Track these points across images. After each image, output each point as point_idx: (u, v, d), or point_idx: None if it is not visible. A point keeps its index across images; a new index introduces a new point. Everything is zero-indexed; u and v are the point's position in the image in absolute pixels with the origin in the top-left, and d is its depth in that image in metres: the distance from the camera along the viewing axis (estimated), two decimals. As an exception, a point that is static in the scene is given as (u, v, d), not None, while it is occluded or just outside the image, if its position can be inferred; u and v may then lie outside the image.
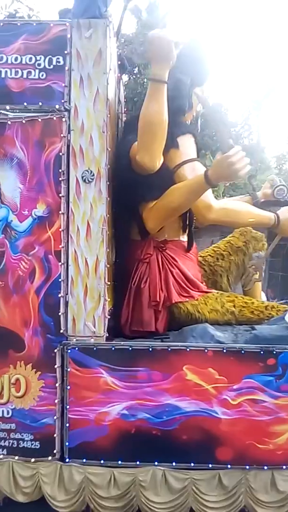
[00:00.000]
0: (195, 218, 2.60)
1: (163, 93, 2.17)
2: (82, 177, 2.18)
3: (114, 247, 2.63)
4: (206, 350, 2.15)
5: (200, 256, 2.99)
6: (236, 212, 2.51)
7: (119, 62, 2.76)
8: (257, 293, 3.01)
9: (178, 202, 2.33)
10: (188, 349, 2.16)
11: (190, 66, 2.64)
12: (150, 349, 2.16)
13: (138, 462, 2.16)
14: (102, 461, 2.16)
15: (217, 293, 2.64)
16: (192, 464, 2.15)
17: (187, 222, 2.63)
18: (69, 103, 2.19)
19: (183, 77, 2.60)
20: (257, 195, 3.03)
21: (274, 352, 2.14)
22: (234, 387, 2.14)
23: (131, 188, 2.43)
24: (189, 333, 2.28)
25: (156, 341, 2.23)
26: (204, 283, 2.74)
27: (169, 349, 2.16)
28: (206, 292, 2.59)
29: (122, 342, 2.19)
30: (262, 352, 2.14)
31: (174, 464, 2.15)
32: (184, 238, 2.65)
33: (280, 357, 2.14)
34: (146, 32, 2.69)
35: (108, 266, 2.21)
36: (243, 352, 2.14)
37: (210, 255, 2.99)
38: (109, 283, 2.21)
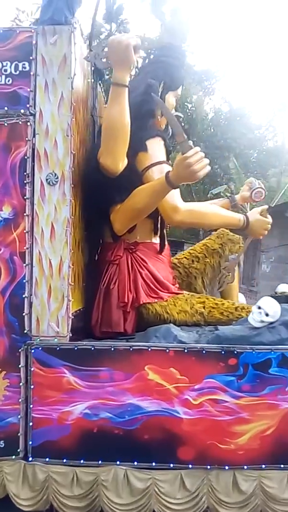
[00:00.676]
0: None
1: (124, 97, 2.22)
2: (47, 179, 2.24)
3: (87, 249, 2.68)
4: (167, 350, 2.18)
5: (176, 259, 3.04)
6: (203, 214, 2.55)
7: (92, 68, 2.81)
8: (233, 294, 3.04)
9: (142, 204, 2.38)
10: (149, 349, 2.19)
11: (163, 71, 2.71)
12: (112, 349, 2.20)
13: (100, 462, 2.19)
14: (65, 460, 2.20)
15: (188, 294, 2.68)
16: (154, 464, 2.17)
17: (159, 224, 2.67)
18: (34, 108, 2.25)
19: (154, 82, 2.67)
20: (235, 198, 3.07)
21: (235, 352, 2.17)
22: (196, 387, 2.17)
23: (101, 191, 2.49)
24: (152, 333, 2.31)
25: (118, 341, 2.26)
26: (177, 285, 2.79)
27: (131, 349, 2.20)
28: (177, 294, 2.63)
29: (84, 342, 2.23)
30: (223, 352, 2.17)
31: (135, 463, 2.18)
32: (156, 240, 2.70)
33: (241, 357, 2.16)
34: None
35: (72, 267, 2.26)
36: (204, 352, 2.17)
37: (185, 258, 3.03)
38: (72, 283, 2.25)
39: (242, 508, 2.17)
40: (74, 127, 2.32)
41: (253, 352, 2.16)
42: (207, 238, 3.12)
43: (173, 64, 2.79)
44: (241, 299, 3.09)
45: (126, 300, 2.48)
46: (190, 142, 2.18)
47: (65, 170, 2.24)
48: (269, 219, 2.68)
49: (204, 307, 2.57)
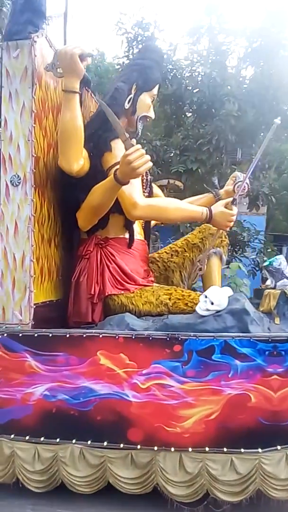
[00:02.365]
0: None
1: (74, 102, 2.45)
2: (11, 181, 2.50)
3: (64, 245, 2.93)
4: (117, 337, 2.37)
5: (157, 253, 3.22)
6: (163, 209, 2.71)
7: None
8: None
9: (97, 201, 2.59)
10: (101, 336, 2.39)
11: (137, 73, 2.93)
12: (67, 335, 2.42)
13: (58, 440, 2.41)
14: (27, 437, 2.44)
15: (157, 286, 2.84)
16: (106, 444, 2.36)
17: (129, 220, 2.86)
18: (0, 117, 2.52)
19: (122, 85, 2.88)
20: (219, 193, 3.20)
21: (180, 339, 2.32)
22: (143, 371, 2.34)
23: (71, 190, 2.73)
24: (107, 322, 2.52)
25: (73, 329, 2.48)
26: (151, 278, 2.96)
27: (84, 336, 2.41)
28: (145, 286, 2.80)
29: (43, 329, 2.46)
30: (168, 339, 2.33)
31: (89, 442, 2.38)
32: (127, 235, 2.89)
33: (186, 343, 2.31)
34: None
35: (33, 261, 2.50)
36: (151, 338, 2.34)
37: (166, 252, 3.20)
38: (33, 276, 2.49)
39: (189, 487, 2.32)
40: (38, 133, 2.57)
41: (197, 339, 2.30)
42: (190, 233, 3.27)
43: (148, 65, 3.00)
44: (229, 292, 3.16)
45: (92, 292, 2.70)
46: (133, 141, 2.36)
47: (27, 172, 2.49)
48: (234, 211, 2.79)
49: (169, 298, 2.72)
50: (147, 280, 2.89)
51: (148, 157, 2.37)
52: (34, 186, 2.52)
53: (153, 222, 3.38)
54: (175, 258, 3.15)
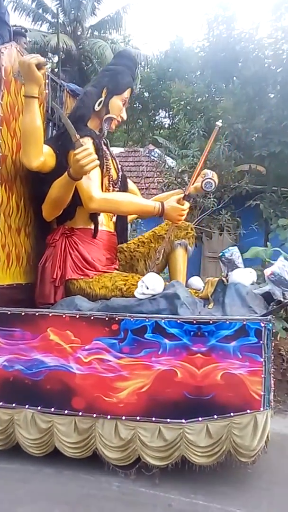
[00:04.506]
0: None
1: (33, 107, 2.81)
2: (-21, 177, 2.89)
3: (36, 234, 3.30)
4: (64, 316, 2.73)
5: (126, 244, 3.53)
6: (118, 202, 3.03)
7: (47, 80, 3.42)
8: (177, 276, 3.40)
9: (54, 195, 2.95)
10: (50, 315, 2.75)
11: (108, 78, 3.27)
12: (23, 313, 2.79)
13: (14, 405, 2.79)
14: (-12, 402, 2.84)
15: (116, 273, 3.16)
16: (53, 409, 2.72)
17: (94, 213, 3.19)
18: (-28, 120, 2.91)
19: (92, 89, 3.25)
20: (191, 189, 3.46)
21: (117, 319, 2.65)
22: (86, 347, 2.69)
23: (40, 185, 3.10)
24: (59, 303, 2.89)
25: (28, 308, 2.84)
26: (115, 266, 3.30)
27: (37, 314, 2.78)
28: (104, 272, 3.13)
29: (3, 308, 2.83)
30: (107, 319, 2.66)
31: (39, 408, 2.76)
32: (92, 226, 3.22)
33: (122, 323, 2.64)
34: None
35: (-3, 248, 2.88)
36: (92, 318, 2.68)
37: (133, 243, 3.52)
38: (-4, 261, 2.88)
39: (123, 452, 2.66)
40: (6, 134, 2.94)
41: (132, 320, 2.62)
42: (159, 225, 3.57)
43: (119, 71, 3.35)
44: (197, 282, 3.42)
45: (55, 276, 3.06)
46: (82, 141, 2.71)
47: None
48: (185, 206, 3.07)
49: (125, 284, 3.03)
50: (108, 268, 3.21)
51: (95, 156, 2.71)
52: (0, 181, 2.89)
53: (130, 217, 3.71)
54: (141, 248, 3.46)
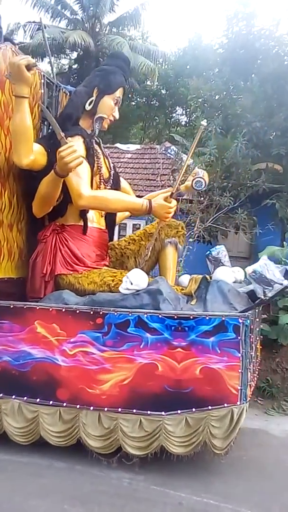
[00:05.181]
0: None
1: (23, 106, 2.90)
2: (-28, 173, 3.00)
3: (28, 230, 3.41)
4: (50, 309, 2.82)
5: (117, 241, 3.62)
6: (106, 200, 3.11)
7: (42, 80, 3.52)
8: (166, 274, 3.47)
9: (42, 191, 3.05)
10: (37, 308, 2.85)
11: (99, 78, 3.36)
12: (11, 306, 2.90)
13: (1, 395, 2.91)
14: (-23, 391, 2.95)
15: (105, 269, 3.25)
16: (38, 400, 2.83)
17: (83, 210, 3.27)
18: None
19: (82, 89, 3.34)
20: (179, 188, 3.53)
21: (101, 313, 2.74)
22: (71, 340, 2.79)
23: (32, 182, 3.20)
24: (47, 297, 2.99)
25: (17, 301, 2.94)
26: (105, 262, 3.38)
27: (24, 307, 2.88)
28: (94, 268, 3.22)
29: (-6, 302, 2.94)
30: (91, 313, 2.75)
31: (25, 398, 2.86)
32: (81, 223, 3.31)
33: (106, 317, 2.73)
34: None
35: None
36: (77, 312, 2.77)
37: (124, 240, 3.60)
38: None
39: (105, 441, 2.76)
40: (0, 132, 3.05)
41: (115, 314, 2.71)
42: (150, 223, 3.64)
43: (111, 71, 3.43)
44: (187, 280, 3.48)
45: (45, 271, 3.16)
46: (68, 139, 2.80)
47: None
48: (172, 204, 3.13)
49: (113, 280, 3.11)
50: (98, 264, 3.30)
51: (79, 153, 2.79)
52: (-7, 178, 3.00)
53: (120, 215, 3.77)
54: (132, 245, 3.54)
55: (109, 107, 3.43)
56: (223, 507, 2.46)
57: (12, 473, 2.72)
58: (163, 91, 19.93)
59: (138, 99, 20.70)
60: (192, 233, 7.89)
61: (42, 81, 3.56)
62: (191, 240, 7.83)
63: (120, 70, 3.47)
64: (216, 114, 7.62)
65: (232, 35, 7.97)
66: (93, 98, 3.37)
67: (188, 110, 18.54)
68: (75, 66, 19.08)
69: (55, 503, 2.44)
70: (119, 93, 3.46)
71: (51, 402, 2.81)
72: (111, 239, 3.66)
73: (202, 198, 7.31)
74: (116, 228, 4.27)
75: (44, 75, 3.61)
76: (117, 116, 3.51)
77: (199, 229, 7.58)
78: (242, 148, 6.20)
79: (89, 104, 3.36)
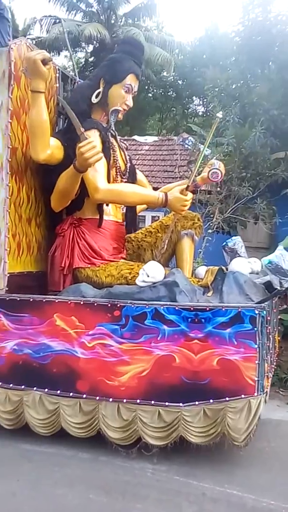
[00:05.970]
0: None
1: (40, 101, 2.93)
2: (-10, 169, 3.04)
3: (47, 224, 3.45)
4: (69, 302, 2.86)
5: (134, 234, 3.64)
6: (122, 193, 3.14)
7: (57, 74, 3.54)
8: (183, 267, 3.48)
9: (61, 186, 3.09)
10: (56, 301, 2.90)
11: (105, 68, 3.38)
12: (31, 300, 2.95)
13: (23, 387, 2.96)
14: (0, 383, 3.01)
15: (122, 262, 3.28)
16: (59, 392, 2.88)
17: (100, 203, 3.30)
18: (-16, 114, 3.07)
19: (86, 82, 3.44)
20: (195, 180, 3.52)
21: (118, 306, 2.76)
22: (90, 332, 2.83)
23: (49, 176, 3.25)
24: (65, 290, 3.04)
25: (36, 294, 2.99)
26: (122, 255, 3.41)
27: (44, 300, 2.92)
28: (111, 261, 3.25)
29: (13, 294, 3.00)
30: (109, 305, 2.78)
31: (46, 390, 2.91)
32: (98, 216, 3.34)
33: (124, 310, 2.76)
34: None
35: (9, 236, 3.03)
36: (95, 304, 2.81)
37: (141, 233, 3.62)
38: (8, 249, 3.03)
39: (124, 432, 2.80)
40: (16, 127, 3.09)
41: (133, 306, 2.74)
42: (166, 215, 3.65)
43: (117, 59, 3.43)
44: (204, 272, 3.49)
45: (63, 265, 3.21)
46: (87, 134, 2.82)
47: (3, 161, 3.03)
48: (188, 196, 3.14)
49: (130, 273, 3.13)
50: (115, 257, 3.33)
51: (98, 149, 2.82)
52: (10, 173, 3.04)
53: (138, 207, 3.79)
54: (148, 238, 3.55)
55: (119, 96, 3.40)
56: (246, 497, 2.47)
57: (38, 463, 2.78)
58: (180, 82, 19.82)
59: (155, 90, 20.63)
60: (211, 224, 7.87)
61: (57, 75, 3.59)
62: (210, 231, 7.81)
63: (128, 56, 3.43)
64: (233, 103, 7.54)
65: (248, 22, 7.87)
66: (100, 89, 3.38)
67: (205, 100, 18.37)
68: (91, 59, 19.08)
69: (80, 492, 2.49)
70: (129, 80, 3.41)
71: (71, 394, 2.85)
72: (134, 231, 3.69)
73: (220, 189, 7.29)
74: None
75: (59, 69, 3.64)
76: (130, 104, 3.48)
77: (218, 220, 7.57)
78: (260, 137, 6.13)
79: (96, 96, 3.37)
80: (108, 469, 2.72)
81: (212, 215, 7.42)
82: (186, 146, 11.89)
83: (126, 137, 13.48)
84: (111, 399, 2.78)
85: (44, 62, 2.88)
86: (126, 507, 2.38)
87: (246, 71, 7.88)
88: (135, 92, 3.48)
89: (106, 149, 3.25)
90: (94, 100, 3.34)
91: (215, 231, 6.90)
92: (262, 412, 2.68)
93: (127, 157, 3.58)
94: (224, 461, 2.78)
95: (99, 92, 3.35)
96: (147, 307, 2.72)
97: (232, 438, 2.63)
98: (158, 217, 8.99)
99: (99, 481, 2.60)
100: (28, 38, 3.58)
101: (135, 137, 13.70)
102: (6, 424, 3.04)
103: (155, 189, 3.64)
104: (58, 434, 2.96)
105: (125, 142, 3.85)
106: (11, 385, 2.99)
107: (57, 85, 3.59)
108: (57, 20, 17.20)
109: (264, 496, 2.47)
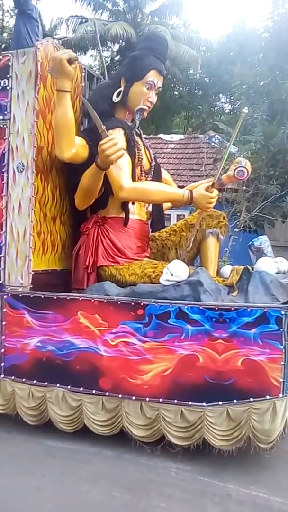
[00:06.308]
0: None
1: (65, 100, 2.95)
2: (17, 167, 3.08)
3: (71, 222, 3.48)
4: (92, 300, 2.88)
5: (158, 232, 3.64)
6: (147, 191, 3.14)
7: (83, 74, 3.57)
8: (208, 266, 3.46)
9: (85, 184, 3.10)
10: (80, 299, 2.91)
11: (126, 67, 3.39)
12: (55, 297, 2.97)
13: (46, 383, 3.00)
14: (24, 380, 3.05)
15: (146, 260, 3.28)
16: (82, 389, 2.89)
17: (125, 202, 3.30)
18: (10, 114, 3.10)
19: (103, 84, 3.50)
20: (221, 177, 3.50)
21: (142, 304, 2.77)
22: (113, 330, 2.84)
23: (74, 175, 3.27)
24: (89, 288, 3.05)
25: (60, 292, 3.01)
26: (146, 254, 3.41)
27: (68, 298, 2.94)
28: (135, 260, 3.25)
29: (38, 292, 3.02)
30: (133, 304, 2.79)
31: (69, 387, 2.94)
32: (123, 215, 3.34)
33: (147, 308, 2.76)
34: None
35: (33, 234, 3.06)
36: (119, 303, 2.81)
37: (165, 231, 3.62)
38: (33, 247, 3.05)
39: (148, 430, 2.80)
40: (42, 127, 3.12)
41: (156, 305, 2.73)
42: (191, 214, 3.63)
43: (138, 56, 3.40)
44: (229, 271, 3.46)
45: (87, 263, 3.22)
46: (109, 132, 2.82)
47: (29, 160, 3.06)
48: (214, 194, 3.11)
49: (154, 271, 3.13)
50: (139, 255, 3.32)
51: (120, 146, 2.81)
52: (36, 171, 3.07)
53: (166, 205, 3.77)
54: (173, 237, 3.54)
55: (142, 93, 3.36)
56: (273, 500, 2.44)
57: (62, 459, 2.80)
58: (206, 79, 19.70)
59: (181, 88, 20.57)
60: (237, 223, 7.82)
61: (83, 74, 3.61)
62: (236, 230, 7.76)
63: (150, 52, 3.37)
64: (261, 101, 7.47)
65: (278, 18, 7.76)
66: (122, 88, 3.37)
67: (232, 97, 18.27)
68: (117, 58, 19.14)
69: (104, 489, 2.50)
70: (151, 76, 3.35)
71: (94, 391, 2.87)
72: (161, 230, 3.67)
73: (247, 187, 7.23)
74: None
75: (85, 68, 3.65)
76: (153, 101, 3.44)
77: (245, 218, 7.52)
78: None
79: (117, 96, 3.36)
80: (132, 467, 2.73)
81: (238, 214, 7.35)
82: (213, 144, 11.80)
83: (151, 136, 13.48)
84: (133, 397, 2.78)
85: (70, 61, 2.90)
86: (150, 505, 2.38)
87: (275, 67, 7.78)
88: (159, 88, 3.43)
89: (131, 147, 3.25)
90: (115, 99, 3.34)
91: (241, 230, 6.85)
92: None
93: (152, 156, 3.58)
94: (249, 462, 2.76)
95: (120, 91, 3.35)
96: (170, 306, 2.71)
97: (258, 440, 2.60)
98: (184, 215, 8.97)
99: (123, 478, 2.61)
100: (54, 38, 3.60)
101: (161, 135, 13.68)
102: (30, 420, 3.07)
103: (180, 187, 3.62)
104: (81, 431, 2.98)
105: (149, 140, 3.84)
106: (34, 381, 3.02)
107: (83, 84, 3.61)
108: (84, 20, 17.37)
109: (291, 499, 2.43)
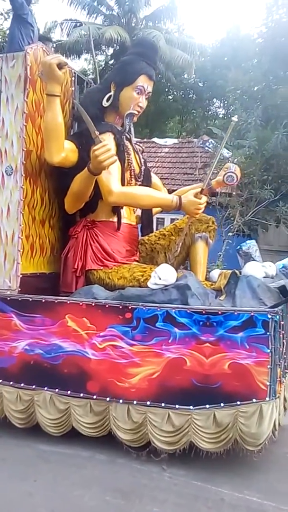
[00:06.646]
0: None
1: (55, 104, 2.97)
2: (5, 171, 3.09)
3: (60, 226, 3.49)
4: (80, 304, 2.88)
5: (147, 236, 3.65)
6: (136, 196, 3.16)
7: (73, 78, 3.59)
8: (196, 269, 3.47)
9: (76, 188, 3.11)
10: (68, 302, 2.92)
11: (115, 71, 3.40)
12: (43, 300, 2.98)
13: (34, 386, 2.99)
14: (11, 383, 3.05)
15: (135, 264, 3.29)
16: (69, 392, 2.89)
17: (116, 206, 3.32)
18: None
19: (96, 87, 3.44)
20: (210, 183, 3.52)
21: (130, 308, 2.78)
22: (101, 334, 2.84)
23: (63, 179, 3.28)
24: (78, 291, 3.06)
25: (48, 296, 3.01)
26: (135, 258, 3.42)
27: (56, 301, 2.95)
28: (124, 263, 3.26)
29: (26, 295, 3.03)
30: (120, 307, 2.79)
31: (57, 390, 2.94)
32: (114, 219, 3.35)
33: (135, 312, 2.77)
34: None
35: (22, 238, 3.06)
36: (107, 306, 2.82)
37: (154, 235, 3.63)
38: (21, 250, 3.06)
39: (135, 434, 2.80)
40: (31, 130, 3.13)
41: (144, 309, 2.74)
42: (180, 219, 3.65)
43: (127, 61, 3.43)
44: (216, 274, 3.47)
45: (76, 267, 3.23)
46: (102, 137, 2.84)
47: (18, 163, 3.07)
48: (202, 200, 3.13)
49: (142, 275, 3.14)
50: (128, 259, 3.34)
51: (113, 152, 2.83)
52: (25, 175, 3.09)
53: (155, 209, 3.79)
54: (162, 240, 3.56)
55: (131, 98, 3.38)
56: (266, 504, 2.44)
57: (55, 463, 2.79)
58: (200, 84, 19.80)
59: (175, 93, 20.66)
60: (231, 227, 7.84)
61: (73, 78, 3.63)
62: (230, 234, 7.79)
63: (140, 57, 3.39)
64: (255, 106, 7.51)
65: (272, 24, 7.82)
66: (111, 93, 3.38)
67: (226, 102, 18.37)
68: (111, 62, 19.19)
69: (97, 494, 2.49)
70: (141, 81, 3.37)
71: (81, 395, 2.87)
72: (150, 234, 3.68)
73: (241, 192, 7.26)
74: (154, 223, 4.29)
75: (75, 73, 3.67)
76: (143, 106, 3.46)
77: (239, 223, 7.55)
78: (283, 140, 6.10)
79: (107, 100, 3.37)
80: (125, 472, 2.72)
81: (232, 218, 7.38)
82: (206, 148, 11.87)
83: (145, 139, 13.51)
84: (121, 401, 2.78)
85: (60, 66, 2.92)
86: (143, 510, 2.37)
87: (269, 73, 7.84)
88: (149, 93, 3.46)
89: (121, 152, 3.26)
90: (105, 103, 3.35)
91: (235, 234, 6.87)
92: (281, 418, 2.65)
93: (142, 160, 3.59)
94: (242, 467, 2.76)
95: (110, 96, 3.36)
96: (158, 309, 2.72)
97: (245, 443, 2.61)
98: (178, 219, 8.99)
99: (116, 483, 2.60)
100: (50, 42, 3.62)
101: (155, 139, 13.73)
102: (18, 423, 3.07)
103: (174, 191, 3.64)
104: (74, 435, 2.97)
105: (140, 145, 3.85)
106: (22, 384, 3.02)
107: (73, 88, 3.63)
108: (78, 24, 17.42)
109: (285, 504, 2.44)
